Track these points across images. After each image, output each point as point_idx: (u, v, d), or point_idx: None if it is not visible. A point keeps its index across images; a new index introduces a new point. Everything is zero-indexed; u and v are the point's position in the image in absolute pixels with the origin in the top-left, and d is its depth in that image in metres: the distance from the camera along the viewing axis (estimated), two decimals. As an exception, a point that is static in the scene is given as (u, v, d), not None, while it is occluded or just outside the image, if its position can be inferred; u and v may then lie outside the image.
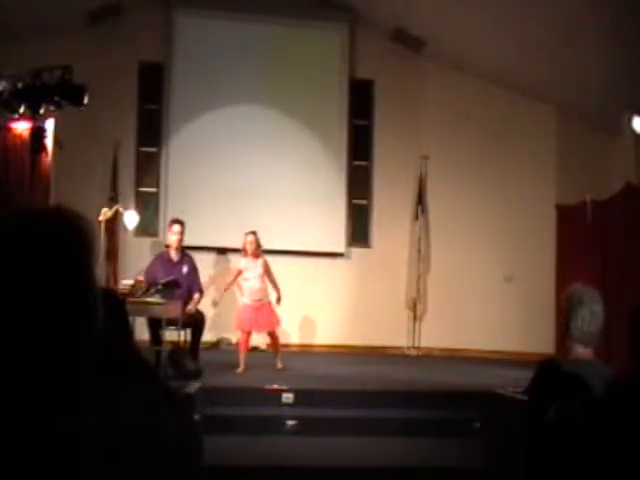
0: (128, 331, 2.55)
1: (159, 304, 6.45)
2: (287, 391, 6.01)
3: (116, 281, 8.26)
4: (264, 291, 7.21)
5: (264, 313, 7.16)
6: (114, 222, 8.42)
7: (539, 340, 8.89)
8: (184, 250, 7.31)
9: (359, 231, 10.12)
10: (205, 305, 7.68)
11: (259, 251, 7.23)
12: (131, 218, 7.77)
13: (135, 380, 2.19)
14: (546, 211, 9.64)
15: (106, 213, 7.38)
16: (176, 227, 7.19)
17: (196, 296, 7.15)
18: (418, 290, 9.83)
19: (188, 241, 7.52)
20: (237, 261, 7.62)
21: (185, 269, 7.14)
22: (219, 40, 9.68)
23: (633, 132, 8.23)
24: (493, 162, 9.88)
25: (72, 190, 7.95)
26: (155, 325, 6.57)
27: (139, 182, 9.76)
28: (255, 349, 9.27)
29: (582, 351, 2.74)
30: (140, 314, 6.30)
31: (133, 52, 9.50)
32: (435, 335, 9.73)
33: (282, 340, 7.63)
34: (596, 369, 2.63)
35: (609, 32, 7.58)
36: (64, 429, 0.94)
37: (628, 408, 1.99)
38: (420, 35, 9.71)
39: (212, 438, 4.36)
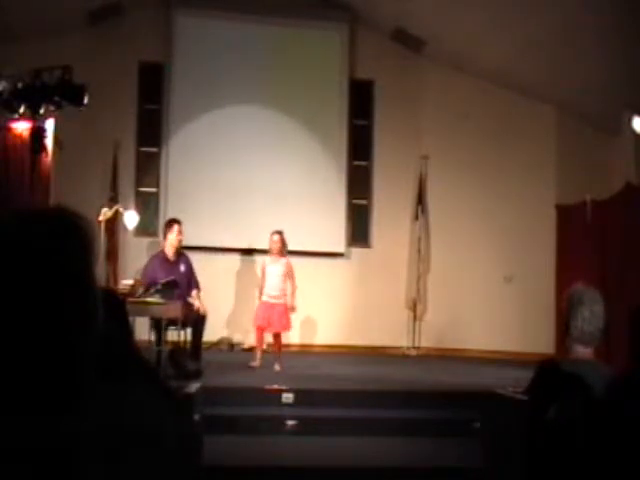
0: (128, 331, 2.55)
1: (159, 304, 6.46)
2: (287, 391, 6.01)
3: (116, 281, 8.26)
4: (282, 291, 7.31)
5: (276, 313, 7.26)
6: (114, 222, 8.42)
7: (539, 340, 8.89)
8: (179, 249, 7.30)
9: (359, 231, 10.13)
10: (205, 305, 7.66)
11: (284, 251, 7.35)
12: (131, 218, 7.78)
13: (135, 380, 2.19)
14: (546, 211, 9.64)
15: (106, 213, 7.38)
16: (178, 227, 7.19)
17: (195, 292, 7.19)
18: (418, 290, 9.83)
19: (188, 241, 7.51)
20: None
21: (182, 268, 7.16)
22: (219, 40, 9.68)
23: (633, 132, 8.23)
24: (493, 162, 9.88)
25: (72, 190, 7.95)
26: (160, 325, 6.57)
27: (139, 182, 9.76)
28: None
29: (582, 351, 2.74)
30: (140, 314, 6.30)
31: (133, 52, 9.50)
32: (435, 335, 9.73)
33: (282, 340, 7.63)
34: (596, 369, 2.63)
35: (609, 32, 7.58)
36: (64, 429, 0.94)
37: (628, 408, 1.99)
38: (420, 35, 9.71)
39: (212, 438, 4.35)
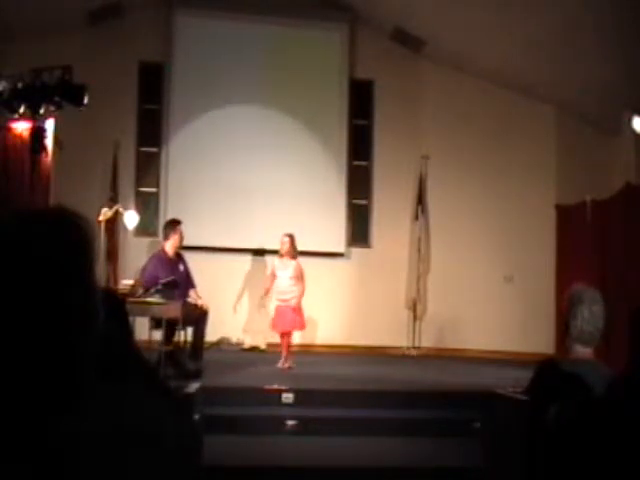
0: (128, 331, 2.55)
1: (159, 304, 6.46)
2: (287, 391, 6.01)
3: (116, 281, 8.25)
4: (292, 293, 7.31)
5: (287, 313, 7.30)
6: (114, 222, 8.41)
7: (539, 340, 8.89)
8: (178, 249, 7.29)
9: (359, 231, 10.13)
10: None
11: (294, 253, 7.37)
12: (131, 218, 7.77)
13: (135, 380, 2.19)
14: (546, 211, 9.64)
15: (106, 213, 7.38)
16: (180, 228, 7.18)
17: (193, 291, 7.20)
18: (418, 290, 9.82)
19: (188, 241, 7.50)
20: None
21: (182, 267, 7.17)
22: (219, 40, 9.68)
23: (633, 132, 8.23)
24: (493, 162, 9.88)
25: (72, 190, 7.94)
26: (169, 325, 6.55)
27: (139, 182, 9.76)
28: (255, 349, 9.31)
29: (582, 351, 2.74)
30: (140, 314, 6.30)
31: (133, 52, 9.50)
32: (435, 335, 9.73)
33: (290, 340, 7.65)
34: (596, 369, 2.63)
35: (609, 32, 7.58)
36: (64, 429, 0.94)
37: (628, 408, 1.99)
38: (420, 35, 9.71)
39: (212, 438, 4.35)
